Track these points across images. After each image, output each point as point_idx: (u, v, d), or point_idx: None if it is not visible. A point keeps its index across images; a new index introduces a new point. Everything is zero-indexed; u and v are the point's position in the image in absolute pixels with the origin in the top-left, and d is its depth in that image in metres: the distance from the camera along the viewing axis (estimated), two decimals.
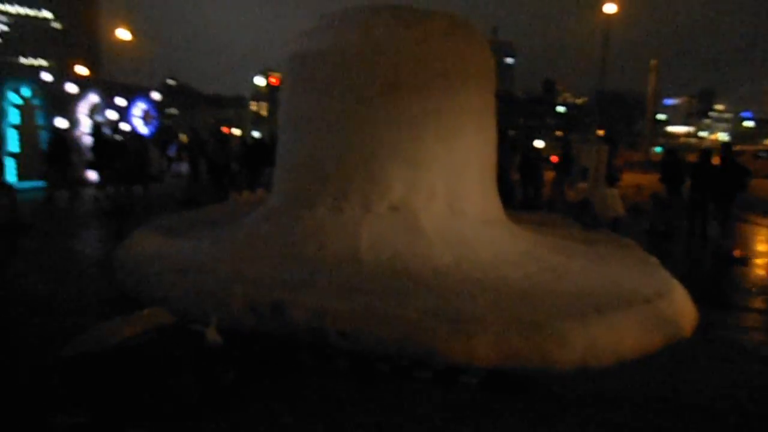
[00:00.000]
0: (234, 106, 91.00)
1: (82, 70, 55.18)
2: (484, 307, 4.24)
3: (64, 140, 11.95)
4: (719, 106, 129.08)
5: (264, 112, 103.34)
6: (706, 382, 3.67)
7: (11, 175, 11.89)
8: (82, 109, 13.51)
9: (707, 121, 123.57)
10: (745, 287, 6.71)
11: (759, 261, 8.14)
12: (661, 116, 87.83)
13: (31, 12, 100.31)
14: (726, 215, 8.81)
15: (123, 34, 39.43)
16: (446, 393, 3.41)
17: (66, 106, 13.11)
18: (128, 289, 5.12)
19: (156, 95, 16.15)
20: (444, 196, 6.01)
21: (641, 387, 3.56)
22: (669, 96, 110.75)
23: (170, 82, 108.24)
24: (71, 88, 13.38)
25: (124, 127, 14.12)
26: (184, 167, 15.29)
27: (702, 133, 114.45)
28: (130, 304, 4.69)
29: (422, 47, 5.86)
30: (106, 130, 12.60)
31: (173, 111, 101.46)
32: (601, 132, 60.65)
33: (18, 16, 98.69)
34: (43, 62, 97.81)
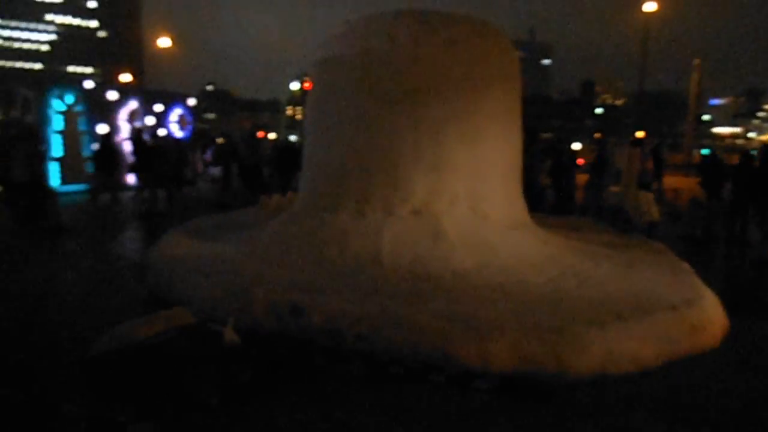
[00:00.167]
0: (270, 111, 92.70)
1: (126, 77, 57.34)
2: (501, 311, 4.21)
3: (112, 145, 12.48)
4: None
5: (299, 116, 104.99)
6: (729, 394, 3.54)
7: (55, 179, 12.44)
8: (122, 115, 14.04)
9: (756, 121, 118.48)
10: None
11: None
12: (706, 117, 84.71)
13: (79, 22, 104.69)
14: (766, 220, 8.45)
15: (164, 42, 40.80)
16: (459, 397, 3.41)
17: (107, 112, 13.65)
18: (157, 290, 5.30)
19: (192, 101, 16.58)
20: (467, 200, 5.99)
21: (660, 395, 3.47)
22: (715, 96, 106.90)
23: (209, 87, 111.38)
24: (112, 95, 13.91)
25: (161, 131, 14.59)
26: (218, 171, 15.65)
27: (751, 134, 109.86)
28: (157, 304, 4.87)
29: (445, 52, 5.86)
30: (146, 135, 13.04)
31: (211, 116, 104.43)
32: (640, 134, 59.05)
33: (65, 26, 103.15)
34: (89, 70, 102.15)
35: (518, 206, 6.69)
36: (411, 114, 5.87)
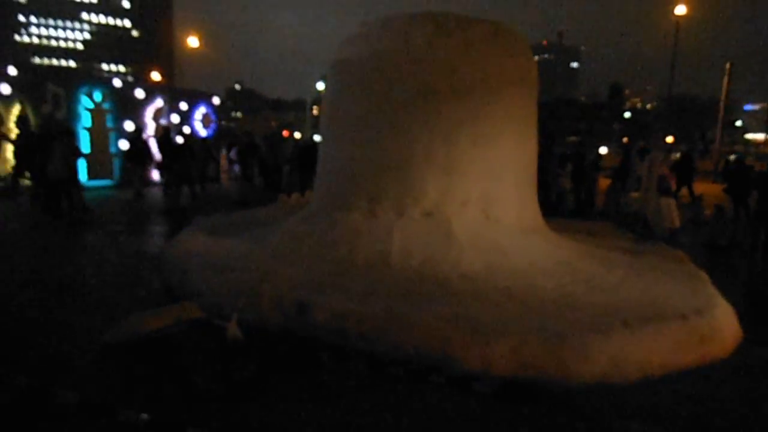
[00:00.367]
0: (295, 110, 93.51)
1: (156, 76, 58.53)
2: (506, 315, 4.20)
3: (144, 142, 12.83)
4: None
5: None
6: (733, 404, 3.47)
7: (82, 174, 12.81)
8: (149, 113, 14.37)
9: None
10: None
11: None
12: (739, 123, 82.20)
13: (113, 21, 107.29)
14: None
15: (192, 41, 41.55)
16: (459, 399, 3.42)
17: (134, 110, 13.99)
18: (172, 284, 5.43)
19: (216, 100, 16.86)
20: (478, 203, 5.98)
21: (663, 404, 3.42)
22: (750, 101, 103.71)
23: (236, 86, 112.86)
24: (139, 93, 14.25)
25: (186, 129, 14.88)
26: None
27: None
28: (170, 298, 5.01)
29: (460, 54, 5.87)
30: (173, 134, 13.35)
31: (238, 114, 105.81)
32: (670, 139, 57.65)
33: (100, 25, 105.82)
34: (121, 68, 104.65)
35: (531, 210, 6.65)
36: (424, 116, 5.89)
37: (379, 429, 3.06)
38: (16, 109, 11.50)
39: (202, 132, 16.12)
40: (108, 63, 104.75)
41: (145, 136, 13.16)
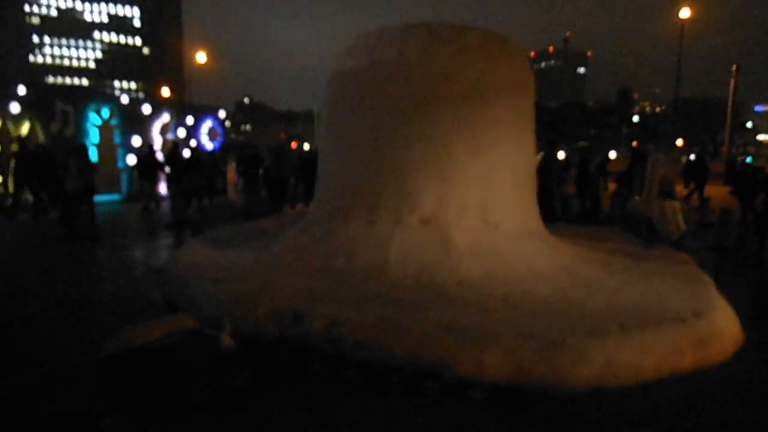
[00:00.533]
0: (304, 122, 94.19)
1: (166, 92, 59.36)
2: (502, 321, 4.19)
3: (155, 157, 13.05)
4: None
5: None
6: (730, 409, 3.43)
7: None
8: (156, 128, 14.58)
9: None
10: None
11: None
12: (749, 124, 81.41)
13: (124, 39, 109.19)
14: None
15: (201, 57, 42.16)
16: (452, 407, 3.41)
17: (141, 125, 14.20)
18: (172, 297, 5.49)
19: (222, 113, 17.06)
20: (476, 210, 5.99)
21: (658, 409, 3.39)
22: (760, 102, 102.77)
23: (245, 100, 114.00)
24: (146, 108, 14.48)
25: (192, 143, 15.08)
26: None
27: None
28: (169, 309, 5.06)
29: (454, 63, 5.91)
30: (182, 148, 13.57)
31: (247, 127, 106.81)
32: (680, 142, 57.26)
33: (111, 43, 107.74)
34: (133, 85, 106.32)
35: (531, 215, 6.64)
36: (420, 124, 5.93)
37: None
38: (25, 127, 11.73)
39: (209, 145, 16.30)
40: (120, 80, 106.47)
41: (155, 151, 13.37)
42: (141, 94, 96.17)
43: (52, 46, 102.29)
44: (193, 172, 13.19)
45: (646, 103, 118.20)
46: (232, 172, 17.17)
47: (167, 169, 12.97)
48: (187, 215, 11.70)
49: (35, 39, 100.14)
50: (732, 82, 22.94)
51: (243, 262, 6.06)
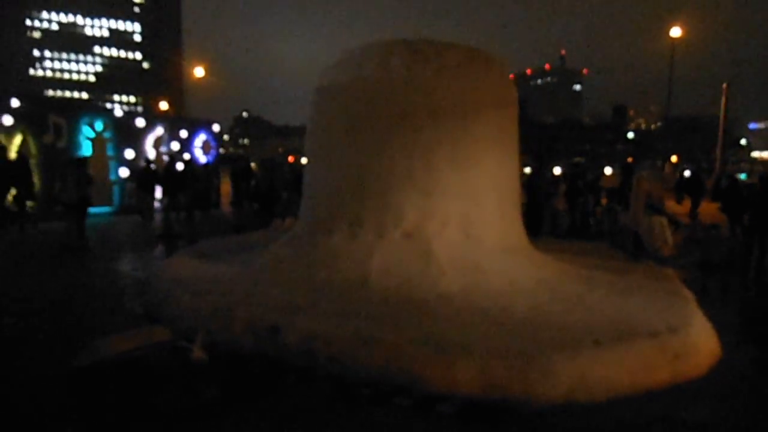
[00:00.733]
0: (301, 136, 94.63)
1: (164, 105, 59.69)
2: (476, 335, 4.20)
3: (154, 171, 13.12)
4: None
5: None
6: (700, 424, 3.42)
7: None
8: (149, 141, 14.64)
9: None
10: None
11: None
12: (743, 141, 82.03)
13: (124, 54, 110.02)
14: None
15: (198, 71, 42.53)
16: (422, 422, 3.41)
17: (134, 138, 14.27)
18: (152, 308, 5.48)
19: (216, 127, 17.15)
20: (459, 224, 6.02)
21: (627, 424, 3.38)
22: (754, 120, 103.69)
23: (244, 114, 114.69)
24: (140, 122, 14.55)
25: (186, 156, 15.13)
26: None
27: None
28: (150, 322, 5.05)
29: (436, 79, 5.99)
30: (178, 161, 13.64)
31: (245, 141, 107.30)
32: (675, 158, 57.57)
33: (112, 57, 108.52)
34: (132, 99, 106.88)
35: (514, 230, 6.67)
36: (403, 139, 5.99)
37: None
38: (17, 139, 11.78)
39: (202, 159, 16.36)
40: (119, 94, 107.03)
41: (154, 165, 13.44)
42: (140, 108, 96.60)
43: (52, 59, 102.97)
44: (187, 185, 13.26)
45: (642, 120, 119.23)
46: (225, 185, 17.22)
47: (162, 182, 13.03)
48: (177, 228, 11.71)
49: (36, 53, 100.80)
50: (723, 100, 23.20)
51: (225, 274, 6.06)
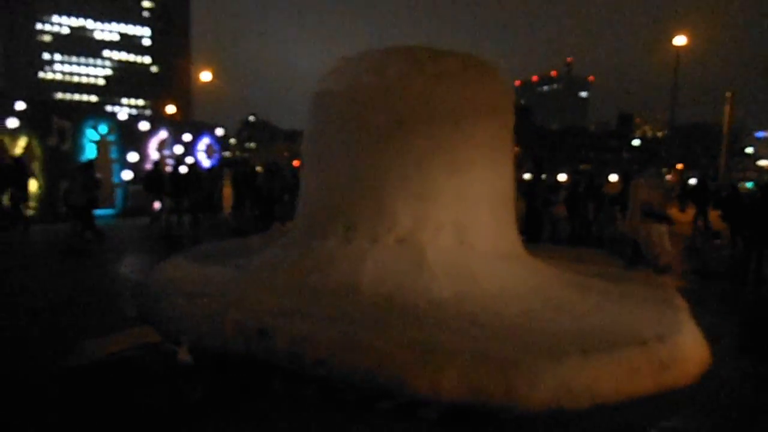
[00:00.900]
0: None
1: (172, 109, 60.07)
2: (464, 340, 4.21)
3: (162, 174, 13.26)
4: None
5: None
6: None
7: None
8: (152, 145, 14.77)
9: None
10: None
11: None
12: (749, 149, 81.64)
13: (133, 58, 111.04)
14: None
15: (206, 76, 42.82)
16: (404, 426, 3.43)
17: (138, 141, 14.40)
18: (145, 311, 5.53)
19: (219, 131, 17.27)
20: (452, 230, 6.05)
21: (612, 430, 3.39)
22: (761, 128, 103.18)
23: (251, 118, 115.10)
24: (143, 125, 14.69)
25: (189, 160, 15.25)
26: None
27: None
28: (142, 323, 5.09)
29: (432, 86, 6.04)
30: (182, 164, 13.77)
31: (252, 145, 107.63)
32: (680, 166, 57.36)
33: (121, 62, 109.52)
34: (141, 102, 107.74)
35: (509, 236, 6.69)
36: (398, 145, 6.03)
37: None
38: (22, 141, 11.92)
39: (206, 162, 16.47)
40: (128, 98, 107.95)
41: (147, 165, 13.57)
42: (148, 112, 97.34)
43: (62, 63, 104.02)
44: (192, 189, 13.36)
45: (648, 128, 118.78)
46: (228, 188, 17.34)
47: (168, 185, 13.14)
48: (178, 231, 11.80)
49: (46, 56, 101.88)
50: (727, 108, 23.13)
51: (219, 278, 6.11)
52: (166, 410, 3.33)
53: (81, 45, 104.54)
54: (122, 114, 14.76)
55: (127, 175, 14.09)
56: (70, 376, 3.48)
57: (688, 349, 4.46)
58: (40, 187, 12.16)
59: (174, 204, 13.12)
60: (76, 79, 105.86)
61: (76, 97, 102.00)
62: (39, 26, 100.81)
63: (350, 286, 5.53)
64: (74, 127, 12.80)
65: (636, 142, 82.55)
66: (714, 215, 12.98)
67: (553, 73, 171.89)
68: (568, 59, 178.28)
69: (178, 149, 15.48)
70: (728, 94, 23.06)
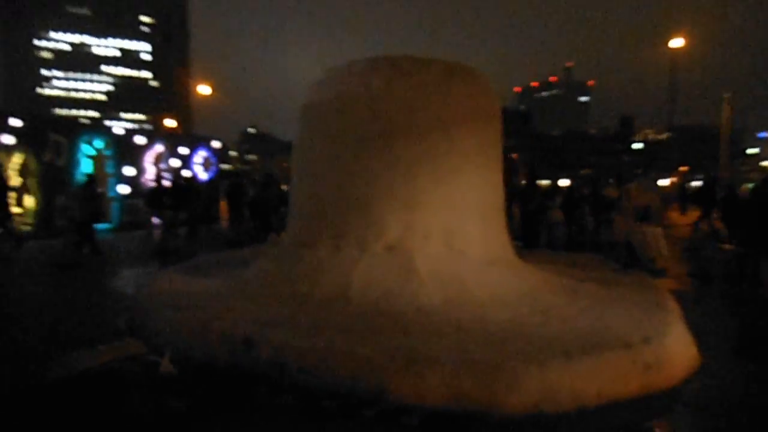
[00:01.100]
0: None
1: (171, 123, 60.36)
2: (448, 346, 4.20)
3: (162, 188, 13.33)
4: None
5: None
6: None
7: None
8: (148, 158, 14.86)
9: None
10: None
11: None
12: (753, 150, 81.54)
13: (133, 73, 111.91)
14: None
15: (204, 89, 43.10)
16: None
17: (134, 155, 14.49)
18: (134, 323, 5.53)
19: (216, 143, 17.38)
20: (441, 237, 6.05)
21: None
22: (765, 129, 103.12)
23: (251, 130, 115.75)
24: (139, 139, 14.78)
25: (185, 173, 15.33)
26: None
27: None
28: (131, 336, 5.10)
29: (417, 94, 6.08)
30: (180, 178, 13.85)
31: (253, 157, 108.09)
32: (684, 168, 57.33)
33: (121, 77, 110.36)
34: (141, 117, 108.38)
35: (499, 242, 6.69)
36: (385, 154, 6.06)
37: None
38: (17, 158, 12.01)
39: (202, 175, 16.55)
40: (128, 112, 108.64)
41: (143, 179, 13.64)
42: (149, 126, 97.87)
43: (61, 79, 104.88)
44: (190, 201, 13.42)
45: (649, 131, 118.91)
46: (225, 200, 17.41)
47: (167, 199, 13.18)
48: (174, 244, 11.83)
49: (45, 72, 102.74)
50: (726, 109, 23.15)
51: (209, 289, 6.12)
52: (148, 421, 3.33)
53: (81, 61, 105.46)
54: (118, 128, 14.87)
55: (123, 189, 14.16)
56: (52, 387, 3.49)
57: (675, 351, 4.44)
58: (36, 203, 12.22)
59: (172, 217, 13.17)
60: (76, 94, 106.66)
61: (77, 113, 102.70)
62: (38, 43, 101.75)
63: (338, 295, 5.54)
64: (70, 142, 12.89)
65: (638, 146, 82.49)
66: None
67: (553, 78, 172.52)
68: (568, 64, 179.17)
69: (175, 162, 15.56)
70: (726, 95, 23.09)
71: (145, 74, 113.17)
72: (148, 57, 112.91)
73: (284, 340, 4.28)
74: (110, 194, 13.94)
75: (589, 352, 4.08)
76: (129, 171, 14.27)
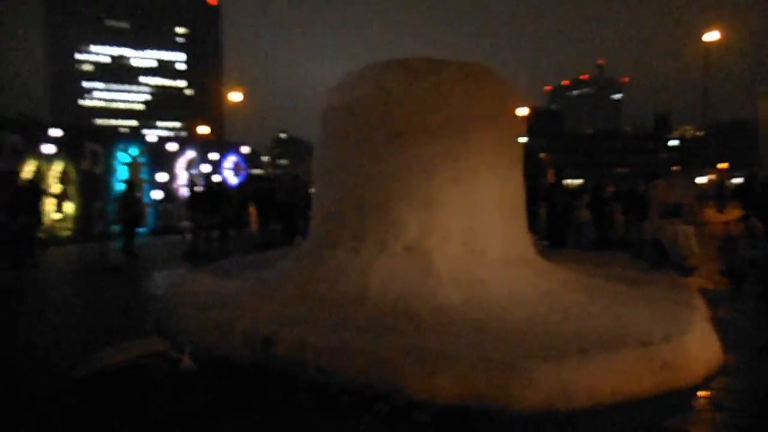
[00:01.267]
0: None
1: (205, 129, 61.72)
2: (463, 345, 4.24)
3: (198, 192, 13.79)
4: None
5: None
6: None
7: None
8: (180, 164, 15.33)
9: None
10: None
11: None
12: None
13: (169, 83, 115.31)
14: None
15: (236, 96, 44.06)
16: (398, 428, 3.48)
17: (167, 161, 14.98)
18: (161, 323, 5.76)
19: (245, 149, 17.78)
20: (460, 237, 6.07)
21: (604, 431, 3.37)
22: None
23: (282, 135, 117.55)
24: (172, 146, 15.27)
25: (216, 178, 15.73)
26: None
27: None
28: (157, 334, 5.30)
29: (431, 95, 6.13)
30: (213, 182, 14.25)
31: (284, 161, 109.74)
32: (722, 165, 55.37)
33: (158, 87, 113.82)
34: (177, 124, 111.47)
35: (519, 241, 6.66)
36: (401, 155, 6.12)
37: None
38: (58, 166, 12.58)
39: (232, 180, 16.95)
40: (165, 121, 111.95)
41: (176, 184, 14.08)
42: (184, 133, 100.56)
43: (102, 90, 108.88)
44: (221, 206, 13.79)
45: (688, 127, 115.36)
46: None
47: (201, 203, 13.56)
48: (204, 247, 12.16)
49: (86, 84, 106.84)
50: (761, 103, 22.28)
51: (234, 290, 6.30)
52: (167, 416, 3.48)
53: (120, 72, 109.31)
54: (151, 136, 15.39)
55: (156, 194, 14.65)
56: (76, 385, 3.68)
57: (696, 349, 4.36)
58: (75, 209, 12.76)
59: (205, 221, 13.53)
60: (115, 105, 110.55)
61: (116, 122, 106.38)
62: (79, 56, 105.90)
63: (357, 295, 5.62)
64: (106, 150, 13.42)
65: (674, 143, 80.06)
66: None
67: (584, 76, 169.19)
68: (600, 61, 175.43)
69: (205, 168, 15.99)
70: (762, 88, 22.24)
71: (181, 83, 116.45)
72: (183, 66, 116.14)
73: (302, 339, 4.39)
74: (145, 200, 14.44)
75: (605, 349, 4.06)
76: (162, 177, 14.74)
